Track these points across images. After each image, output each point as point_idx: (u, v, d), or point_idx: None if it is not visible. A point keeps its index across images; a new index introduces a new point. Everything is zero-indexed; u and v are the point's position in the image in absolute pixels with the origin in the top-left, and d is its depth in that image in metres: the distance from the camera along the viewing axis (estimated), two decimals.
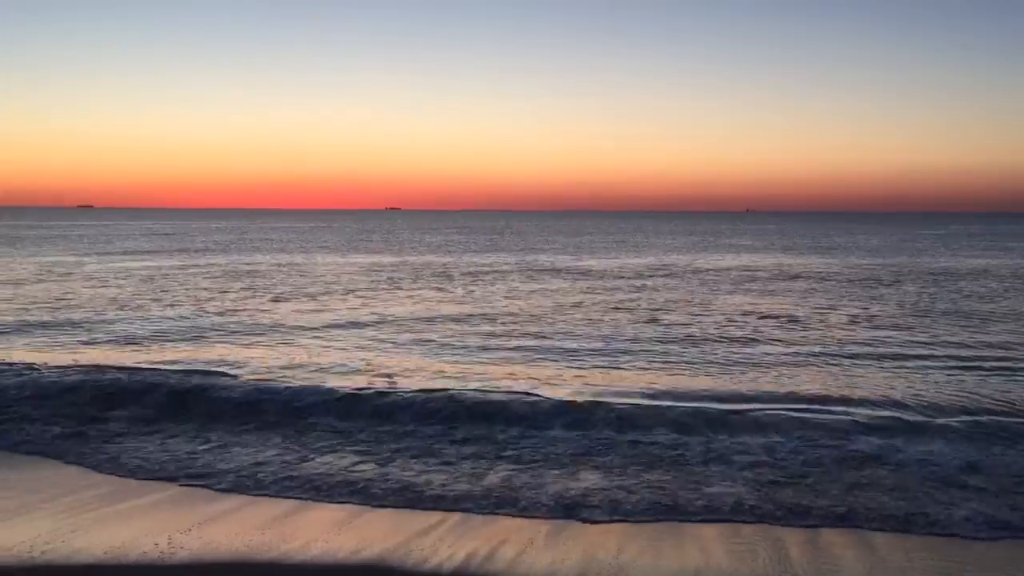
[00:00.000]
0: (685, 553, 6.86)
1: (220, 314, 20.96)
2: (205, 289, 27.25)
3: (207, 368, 13.79)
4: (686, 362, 14.90)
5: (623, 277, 33.74)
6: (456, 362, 14.74)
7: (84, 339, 16.99)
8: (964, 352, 15.99)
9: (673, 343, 16.95)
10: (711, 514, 7.65)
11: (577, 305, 23.59)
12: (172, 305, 22.66)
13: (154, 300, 23.82)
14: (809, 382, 13.23)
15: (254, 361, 14.64)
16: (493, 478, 8.64)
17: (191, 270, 35.19)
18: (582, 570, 6.50)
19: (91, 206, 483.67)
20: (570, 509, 7.76)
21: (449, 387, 12.55)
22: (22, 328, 18.32)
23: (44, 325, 18.76)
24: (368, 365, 14.36)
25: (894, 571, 6.58)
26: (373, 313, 21.43)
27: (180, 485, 8.48)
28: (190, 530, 7.22)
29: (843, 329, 19.03)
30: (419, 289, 28.01)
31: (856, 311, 22.37)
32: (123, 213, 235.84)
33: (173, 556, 6.68)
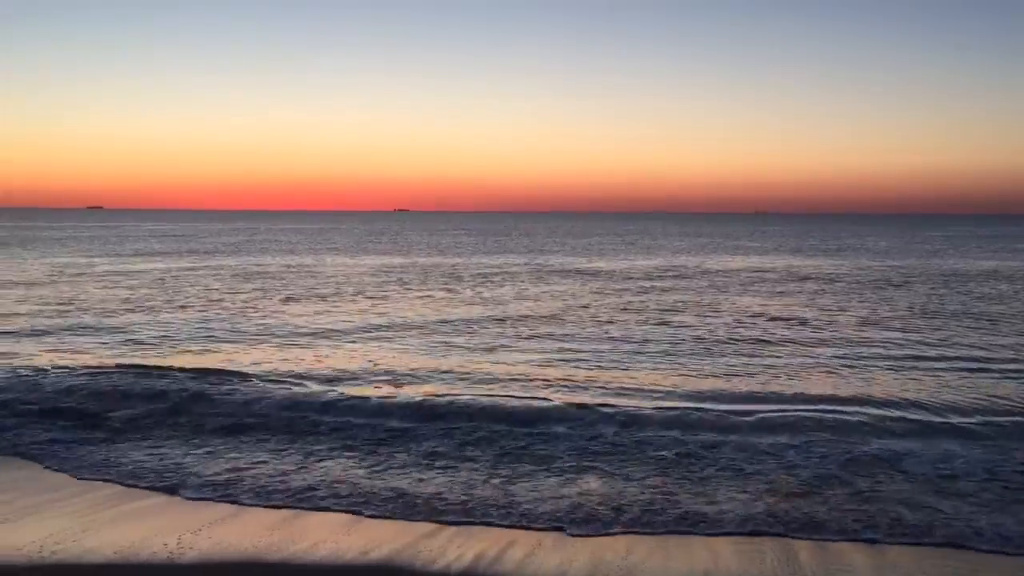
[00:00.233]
0: (694, 555, 6.84)
1: (231, 316, 21.03)
2: (216, 290, 27.34)
3: (218, 370, 13.84)
4: (696, 364, 14.86)
5: (632, 278, 33.70)
6: (464, 364, 14.74)
7: (94, 341, 17.07)
8: (976, 353, 15.92)
9: (683, 344, 16.92)
10: (721, 528, 7.34)
11: (586, 307, 23.57)
12: (184, 307, 22.75)
13: (166, 301, 23.91)
14: (820, 384, 13.19)
15: (264, 364, 14.69)
16: (501, 482, 8.58)
17: (201, 271, 35.32)
18: (591, 572, 6.49)
19: (101, 207, 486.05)
20: (574, 521, 7.48)
21: (456, 390, 12.58)
22: (34, 330, 18.41)
23: (56, 326, 18.85)
24: (375, 367, 14.38)
25: None
26: (382, 315, 21.47)
27: (181, 495, 8.47)
28: (200, 530, 7.24)
29: (854, 331, 18.96)
30: (428, 290, 28.04)
31: (866, 313, 22.29)
32: (132, 215, 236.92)
33: (182, 556, 6.70)
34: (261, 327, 19.06)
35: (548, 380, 13.33)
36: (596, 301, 25.10)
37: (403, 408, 11.29)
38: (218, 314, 21.24)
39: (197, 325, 19.25)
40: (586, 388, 12.80)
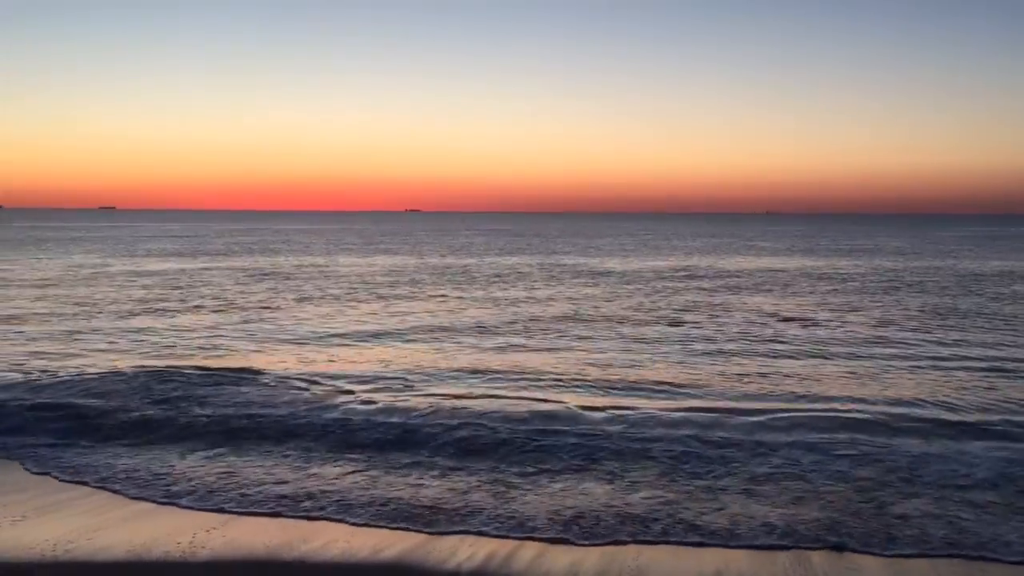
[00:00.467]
0: (705, 555, 6.81)
1: (244, 316, 21.11)
2: (229, 290, 27.44)
3: (231, 369, 13.89)
4: (708, 365, 14.79)
5: (645, 279, 33.63)
6: (475, 364, 14.74)
7: (108, 341, 17.16)
8: (990, 353, 15.79)
9: (695, 344, 16.85)
10: (732, 540, 7.02)
11: (599, 307, 23.54)
12: (198, 307, 22.84)
13: (179, 302, 24.02)
14: (836, 386, 13.10)
15: (276, 365, 14.74)
16: (508, 486, 8.53)
17: (213, 271, 35.46)
18: (601, 571, 6.48)
19: (113, 208, 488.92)
20: (580, 529, 7.26)
21: (465, 391, 12.59)
22: (49, 330, 18.53)
23: (70, 326, 18.97)
24: (386, 368, 14.40)
25: None
26: (394, 316, 21.51)
27: (189, 499, 8.50)
28: (213, 529, 7.26)
29: (869, 331, 18.85)
30: (441, 291, 28.07)
31: (880, 313, 22.16)
32: (143, 215, 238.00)
33: (195, 555, 6.72)
34: (274, 328, 19.12)
35: (557, 380, 13.30)
36: (608, 301, 25.05)
37: (412, 410, 11.20)
38: (231, 315, 21.32)
39: (210, 326, 19.32)
40: (598, 389, 12.77)
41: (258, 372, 13.66)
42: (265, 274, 34.58)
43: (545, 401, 11.85)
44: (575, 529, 7.28)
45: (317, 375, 13.58)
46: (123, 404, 11.48)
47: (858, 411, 11.29)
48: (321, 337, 17.73)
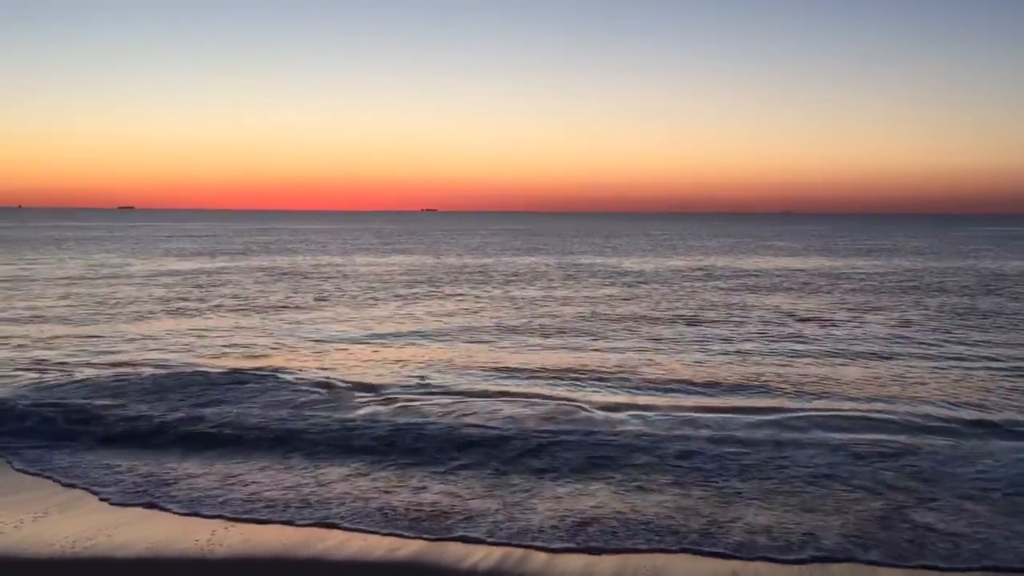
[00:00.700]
0: (719, 566, 6.70)
1: (262, 316, 21.20)
2: (248, 290, 27.58)
3: (248, 370, 13.95)
4: (727, 364, 14.69)
5: (662, 278, 33.52)
6: (494, 364, 14.73)
7: (127, 340, 17.27)
8: (1014, 353, 15.61)
9: (712, 343, 16.77)
10: (749, 552, 6.72)
11: (615, 307, 23.47)
12: (217, 307, 22.96)
13: (199, 301, 24.16)
14: (855, 386, 12.98)
15: (293, 365, 14.79)
16: (519, 491, 8.41)
17: (232, 271, 35.65)
18: (618, 570, 6.44)
19: (132, 207, 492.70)
20: (592, 535, 7.10)
21: (481, 388, 12.57)
22: (71, 329, 18.68)
23: (92, 325, 19.11)
24: (404, 367, 14.42)
25: None
26: (411, 316, 21.53)
27: (198, 501, 8.53)
28: (232, 526, 7.29)
29: (889, 331, 18.69)
30: (459, 291, 28.08)
31: (900, 314, 21.97)
32: (162, 215, 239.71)
33: (214, 552, 6.74)
34: (292, 327, 19.20)
35: (577, 381, 13.26)
36: (626, 301, 24.98)
37: (429, 412, 11.15)
38: (250, 315, 21.42)
39: (228, 326, 19.42)
40: (615, 388, 12.73)
41: (276, 371, 13.70)
42: (284, 273, 34.75)
43: (563, 400, 11.81)
44: (587, 534, 7.11)
45: (335, 375, 13.58)
46: (135, 404, 11.41)
47: (879, 411, 11.18)
48: (339, 337, 17.78)
